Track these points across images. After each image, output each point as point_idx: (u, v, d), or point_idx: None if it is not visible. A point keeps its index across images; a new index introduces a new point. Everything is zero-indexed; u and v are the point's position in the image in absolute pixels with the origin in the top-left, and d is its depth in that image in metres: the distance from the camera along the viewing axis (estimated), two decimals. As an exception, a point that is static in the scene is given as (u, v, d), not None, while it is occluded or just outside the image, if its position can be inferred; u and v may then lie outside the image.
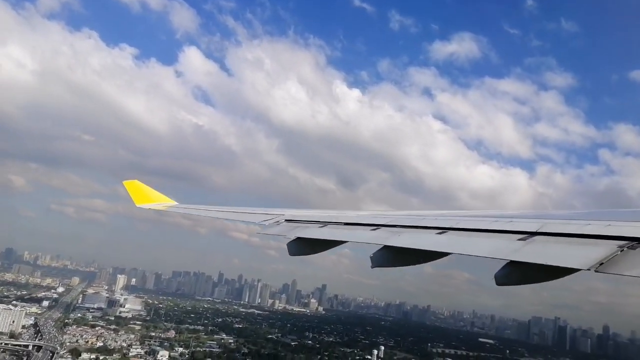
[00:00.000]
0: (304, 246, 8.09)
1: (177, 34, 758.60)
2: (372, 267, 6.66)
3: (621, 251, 4.22)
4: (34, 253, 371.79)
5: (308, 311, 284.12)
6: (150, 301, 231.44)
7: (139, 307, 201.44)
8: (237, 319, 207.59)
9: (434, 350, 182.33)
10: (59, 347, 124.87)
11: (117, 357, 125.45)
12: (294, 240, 8.12)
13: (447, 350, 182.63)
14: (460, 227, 6.41)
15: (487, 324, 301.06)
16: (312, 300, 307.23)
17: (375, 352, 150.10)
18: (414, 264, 6.62)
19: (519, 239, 5.35)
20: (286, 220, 9.28)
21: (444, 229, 6.43)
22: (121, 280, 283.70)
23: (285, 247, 8.20)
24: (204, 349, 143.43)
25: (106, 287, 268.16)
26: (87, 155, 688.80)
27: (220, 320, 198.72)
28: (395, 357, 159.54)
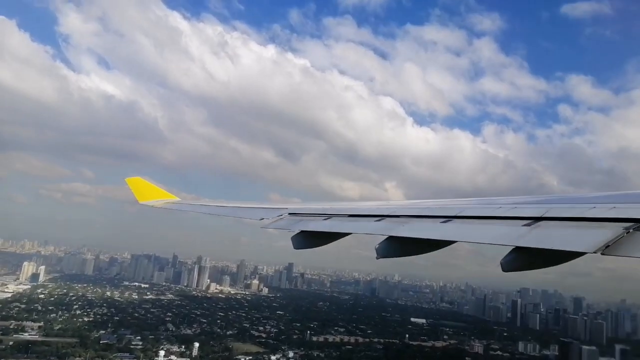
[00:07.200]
0: (308, 239, 8.08)
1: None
2: (377, 258, 6.69)
3: (627, 233, 4.24)
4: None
5: (246, 293, 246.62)
6: (41, 290, 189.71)
7: None
8: (106, 309, 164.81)
9: (316, 339, 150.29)
10: None
11: None
12: (298, 233, 8.12)
13: (331, 338, 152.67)
14: (465, 215, 6.43)
15: (467, 298, 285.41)
16: (254, 282, 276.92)
17: (162, 352, 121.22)
18: (420, 254, 6.65)
19: (524, 225, 5.37)
20: (290, 213, 9.29)
21: (448, 218, 6.45)
22: (28, 268, 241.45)
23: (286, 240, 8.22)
24: None
25: (16, 276, 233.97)
26: (20, 136, 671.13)
27: (89, 311, 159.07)
28: (211, 355, 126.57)
